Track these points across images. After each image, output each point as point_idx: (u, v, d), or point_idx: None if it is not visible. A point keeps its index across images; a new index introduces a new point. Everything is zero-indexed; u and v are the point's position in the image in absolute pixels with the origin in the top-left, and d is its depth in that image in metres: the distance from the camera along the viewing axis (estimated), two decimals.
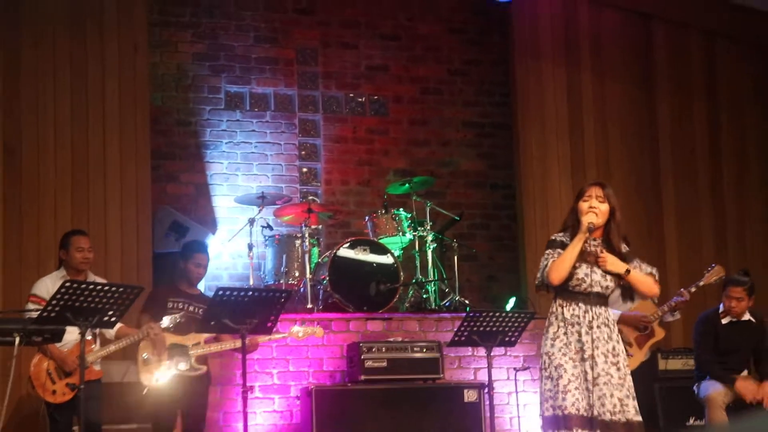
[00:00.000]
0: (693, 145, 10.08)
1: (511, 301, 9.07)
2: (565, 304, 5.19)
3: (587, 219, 5.13)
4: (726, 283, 7.36)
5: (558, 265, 5.11)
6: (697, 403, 7.44)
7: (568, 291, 5.17)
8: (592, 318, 5.14)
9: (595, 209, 5.15)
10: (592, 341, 5.11)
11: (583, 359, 5.09)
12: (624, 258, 5.24)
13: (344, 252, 8.22)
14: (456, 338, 7.31)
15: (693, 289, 7.51)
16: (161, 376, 6.94)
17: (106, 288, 5.95)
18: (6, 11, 8.30)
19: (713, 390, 7.23)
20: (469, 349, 7.89)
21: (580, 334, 5.11)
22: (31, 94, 8.26)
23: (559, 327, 5.17)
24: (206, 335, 7.04)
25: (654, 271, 5.33)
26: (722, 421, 7.10)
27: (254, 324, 6.57)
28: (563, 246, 5.18)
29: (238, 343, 6.86)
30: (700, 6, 10.11)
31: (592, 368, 5.07)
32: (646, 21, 10.16)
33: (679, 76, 10.16)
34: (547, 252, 5.25)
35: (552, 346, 5.16)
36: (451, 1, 10.16)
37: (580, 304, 5.16)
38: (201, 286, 8.35)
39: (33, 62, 8.30)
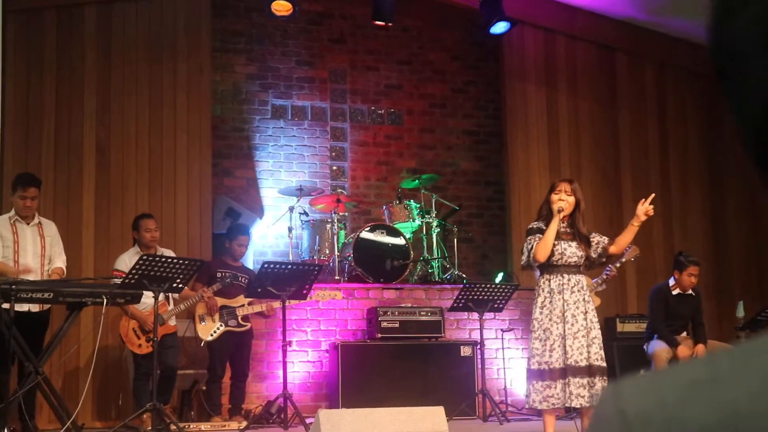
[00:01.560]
0: (646, 150, 10.07)
1: (500, 276, 9.08)
2: (551, 277, 5.22)
3: (557, 205, 5.20)
4: (686, 263, 7.36)
5: (541, 246, 5.15)
6: (646, 358, 7.48)
7: (551, 265, 5.21)
8: (574, 284, 5.19)
9: (563, 200, 5.22)
10: (573, 303, 5.16)
11: (564, 320, 5.13)
12: (588, 236, 5.31)
13: (366, 234, 8.25)
14: (455, 304, 7.38)
15: (617, 265, 7.55)
16: (215, 331, 7.01)
17: (175, 260, 6.02)
18: (100, 40, 8.36)
19: (659, 347, 7.26)
20: (465, 313, 7.91)
21: (563, 300, 5.16)
22: (118, 105, 8.32)
23: (545, 297, 5.21)
24: (249, 299, 7.12)
25: (607, 240, 5.38)
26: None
27: (292, 291, 6.63)
28: (540, 231, 5.23)
29: (263, 307, 7.04)
30: (653, 41, 10.09)
31: (572, 325, 5.12)
32: (611, 53, 10.14)
33: (637, 95, 10.15)
34: (528, 238, 5.28)
35: (540, 313, 5.20)
36: (454, 35, 10.15)
37: (564, 274, 5.21)
38: (249, 261, 8.44)
39: (120, 80, 8.36)
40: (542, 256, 5.15)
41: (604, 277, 7.62)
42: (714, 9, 0.69)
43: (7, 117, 7.49)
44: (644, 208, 5.31)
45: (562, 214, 5.20)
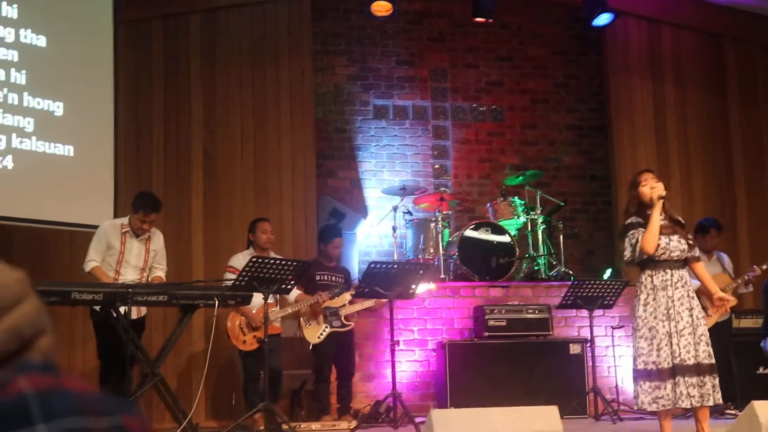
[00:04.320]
0: (759, 140, 9.74)
1: (608, 272, 8.91)
2: (653, 273, 5.08)
3: (657, 192, 5.06)
4: None
5: (648, 237, 5.01)
6: (763, 355, 7.24)
7: (654, 261, 5.06)
8: (677, 279, 5.04)
9: (655, 187, 5.09)
10: (678, 299, 5.01)
11: (669, 318, 4.99)
12: (682, 224, 5.17)
13: (470, 232, 8.20)
14: (563, 302, 7.26)
15: (765, 267, 7.27)
16: (322, 334, 7.06)
17: (284, 263, 6.08)
18: (204, 48, 8.52)
19: None
20: (574, 310, 7.77)
21: (667, 296, 5.01)
22: (223, 111, 8.47)
23: (648, 294, 5.07)
24: (349, 298, 7.14)
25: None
26: None
27: (399, 290, 6.62)
28: (640, 224, 5.08)
29: (367, 304, 7.04)
30: (762, 26, 9.74)
31: (678, 323, 4.97)
32: (718, 40, 9.84)
33: (747, 84, 9.81)
34: (630, 233, 5.13)
35: (644, 311, 5.06)
36: (554, 29, 10.00)
37: (666, 270, 5.06)
38: (354, 261, 8.48)
39: (225, 87, 8.51)
40: (651, 247, 4.99)
41: (746, 278, 7.34)
42: None
43: (119, 125, 7.70)
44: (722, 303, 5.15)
45: (662, 201, 5.04)
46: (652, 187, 5.09)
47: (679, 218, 5.22)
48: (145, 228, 6.38)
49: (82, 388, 0.83)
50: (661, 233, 5.04)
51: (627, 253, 5.15)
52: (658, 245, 5.01)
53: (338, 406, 7.26)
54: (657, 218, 5.01)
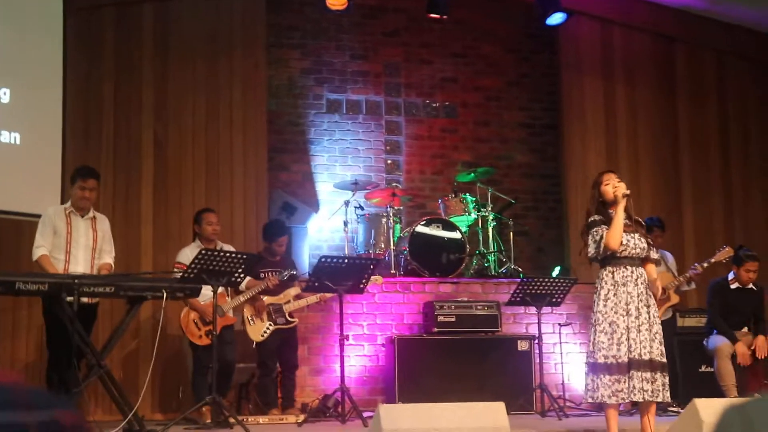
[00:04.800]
0: (706, 141, 9.90)
1: (557, 270, 9.00)
2: (614, 270, 5.15)
3: (620, 191, 5.15)
4: (744, 258, 7.24)
5: (612, 233, 5.08)
6: (706, 353, 7.37)
7: (615, 257, 5.14)
8: (637, 276, 5.12)
9: (618, 186, 5.17)
10: (637, 296, 5.08)
11: (628, 313, 5.06)
12: (642, 224, 5.30)
13: (421, 228, 8.22)
14: (512, 299, 7.32)
15: (705, 264, 7.42)
16: (266, 331, 7.04)
17: (233, 255, 6.06)
18: (157, 37, 8.43)
19: (721, 342, 7.14)
20: (522, 307, 7.83)
21: (627, 292, 5.08)
22: (175, 101, 8.40)
23: (609, 290, 5.14)
24: (294, 294, 7.11)
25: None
26: (728, 368, 7.00)
27: (349, 285, 6.61)
28: (603, 222, 5.16)
29: (312, 299, 7.02)
30: (712, 30, 9.90)
31: (636, 318, 5.05)
32: (669, 42, 9.99)
33: (696, 86, 9.97)
34: (593, 230, 5.19)
35: (605, 306, 5.12)
36: (508, 27, 10.05)
37: (627, 267, 5.14)
38: (305, 255, 8.45)
39: (177, 77, 8.44)
40: (615, 243, 5.07)
41: (689, 275, 7.49)
42: None
43: (68, 114, 7.59)
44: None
45: (626, 198, 5.12)
46: (614, 186, 5.17)
47: (639, 218, 5.32)
48: (87, 197, 6.32)
49: (14, 382, 0.81)
50: (623, 231, 5.12)
51: (591, 250, 5.21)
52: (620, 242, 5.10)
53: (281, 399, 7.24)
54: (621, 215, 5.10)
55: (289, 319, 7.13)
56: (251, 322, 7.03)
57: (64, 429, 0.80)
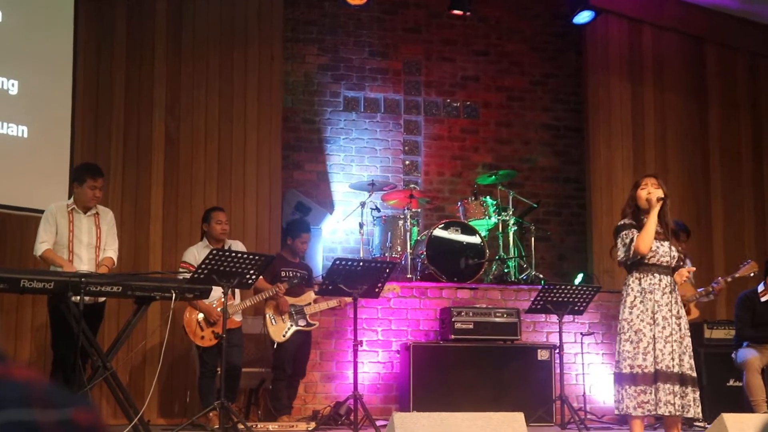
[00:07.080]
0: (738, 148, 9.83)
1: (579, 277, 8.96)
2: (642, 276, 5.13)
3: (655, 194, 5.13)
4: None
5: (643, 237, 5.07)
6: (734, 367, 7.33)
7: (644, 264, 5.12)
8: (666, 285, 5.10)
9: (652, 192, 5.16)
10: (665, 305, 5.06)
11: (655, 322, 5.04)
12: (677, 234, 5.27)
13: (439, 232, 8.20)
14: (532, 306, 7.28)
15: (729, 279, 7.37)
16: (287, 332, 7.02)
17: (245, 256, 6.04)
18: (170, 30, 8.44)
19: (751, 356, 7.10)
20: (543, 315, 7.80)
21: (654, 301, 5.06)
22: (188, 97, 8.40)
23: (635, 297, 5.11)
24: (314, 297, 7.11)
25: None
26: (758, 382, 6.96)
27: (364, 289, 6.59)
28: (634, 226, 5.15)
29: (332, 303, 7.01)
30: (745, 31, 9.85)
31: (663, 329, 5.02)
32: (700, 43, 9.93)
33: (727, 88, 9.91)
34: (623, 233, 5.18)
35: (630, 313, 5.10)
36: (533, 25, 10.03)
37: (655, 274, 5.11)
38: (319, 257, 8.45)
39: (191, 72, 8.43)
40: (645, 247, 5.05)
41: (710, 289, 7.43)
42: None
43: (77, 107, 7.61)
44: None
45: (659, 204, 5.11)
46: (649, 192, 5.16)
47: (674, 228, 5.31)
48: (98, 196, 6.32)
49: (31, 378, 0.80)
50: (654, 237, 5.11)
51: (620, 253, 5.19)
52: (650, 247, 5.08)
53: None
54: (654, 219, 5.09)
55: (310, 321, 7.12)
56: (273, 322, 7.01)
57: (81, 429, 0.79)
